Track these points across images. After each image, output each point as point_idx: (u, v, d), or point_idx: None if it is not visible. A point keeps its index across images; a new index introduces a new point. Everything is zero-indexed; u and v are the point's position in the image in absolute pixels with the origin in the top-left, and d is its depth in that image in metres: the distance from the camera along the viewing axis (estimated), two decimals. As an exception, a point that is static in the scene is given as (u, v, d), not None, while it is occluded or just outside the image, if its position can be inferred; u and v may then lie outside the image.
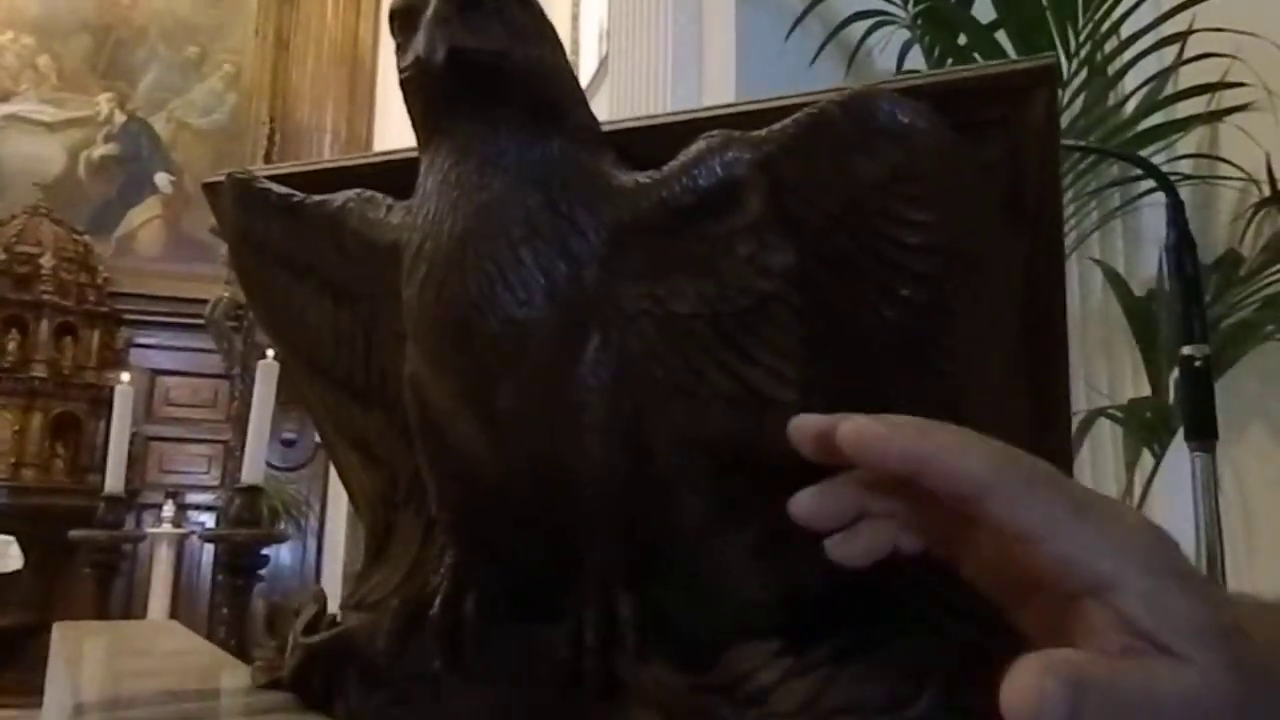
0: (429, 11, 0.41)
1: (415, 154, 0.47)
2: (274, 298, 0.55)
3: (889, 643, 0.43)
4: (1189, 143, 1.84)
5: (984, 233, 0.43)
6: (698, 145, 0.43)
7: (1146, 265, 1.88)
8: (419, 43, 0.40)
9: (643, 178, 0.43)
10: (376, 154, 0.53)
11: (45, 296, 5.24)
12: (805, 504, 0.35)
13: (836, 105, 0.41)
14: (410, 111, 0.44)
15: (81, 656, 0.65)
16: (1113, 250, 1.97)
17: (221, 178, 0.54)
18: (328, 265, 0.52)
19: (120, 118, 6.06)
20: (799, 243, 0.43)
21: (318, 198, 0.51)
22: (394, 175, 0.50)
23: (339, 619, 0.52)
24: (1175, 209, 0.88)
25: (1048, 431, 0.51)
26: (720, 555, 0.46)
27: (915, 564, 0.48)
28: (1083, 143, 1.32)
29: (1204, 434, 0.84)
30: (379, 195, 0.49)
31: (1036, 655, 0.28)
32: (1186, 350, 0.82)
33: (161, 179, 6.03)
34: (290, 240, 0.52)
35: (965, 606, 0.45)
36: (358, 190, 0.50)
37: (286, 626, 0.53)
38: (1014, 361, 0.49)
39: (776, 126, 0.42)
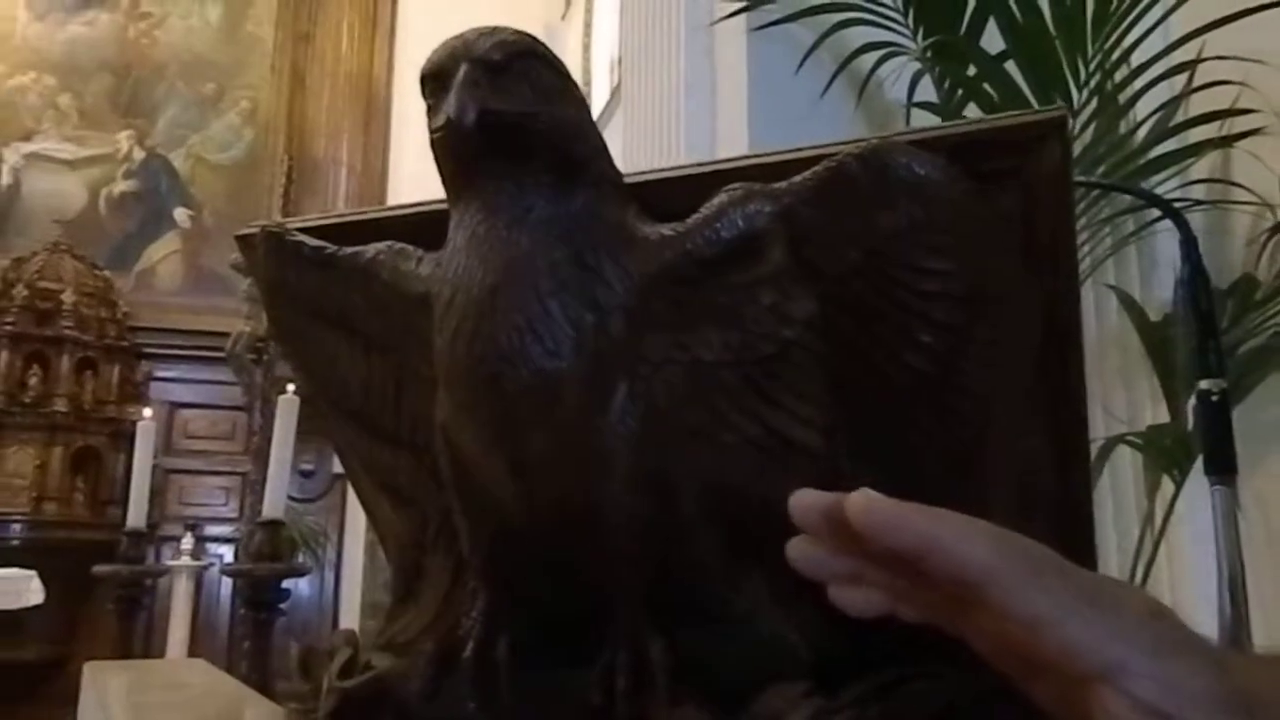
0: (459, 75, 0.42)
1: (443, 205, 0.48)
2: (307, 346, 0.57)
3: (916, 684, 0.43)
4: (1202, 168, 1.85)
5: (1001, 279, 0.44)
6: (719, 198, 0.44)
7: (1162, 290, 1.88)
8: (450, 105, 0.42)
9: (666, 230, 0.45)
10: (406, 206, 0.55)
11: (66, 332, 5.29)
12: (797, 551, 0.35)
13: (854, 158, 0.42)
14: (440, 169, 0.46)
15: (114, 695, 0.66)
16: (1128, 276, 1.97)
17: (255, 230, 0.56)
18: (359, 315, 0.53)
19: (139, 154, 6.15)
20: (820, 291, 0.44)
21: (349, 250, 0.53)
22: (423, 227, 0.52)
23: (371, 662, 0.53)
24: (1188, 243, 0.89)
25: (1066, 468, 0.52)
26: (748, 599, 0.47)
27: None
28: (1093, 179, 1.33)
29: (1223, 467, 0.84)
30: (409, 248, 0.51)
31: None
32: (1204, 385, 0.83)
33: (180, 214, 6.10)
34: (323, 291, 0.54)
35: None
36: (389, 243, 0.51)
37: (320, 669, 0.54)
38: (1032, 402, 0.49)
39: (796, 179, 0.43)
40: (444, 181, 0.46)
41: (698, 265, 0.44)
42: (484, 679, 0.46)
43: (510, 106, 0.42)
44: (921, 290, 0.43)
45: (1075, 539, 0.52)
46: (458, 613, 0.53)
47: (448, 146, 0.44)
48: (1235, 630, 0.84)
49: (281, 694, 0.56)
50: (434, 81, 0.44)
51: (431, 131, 0.44)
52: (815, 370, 0.45)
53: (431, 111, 0.44)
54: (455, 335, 0.43)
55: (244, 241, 0.57)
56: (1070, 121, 0.42)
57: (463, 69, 0.42)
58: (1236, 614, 0.83)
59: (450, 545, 0.56)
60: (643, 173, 0.49)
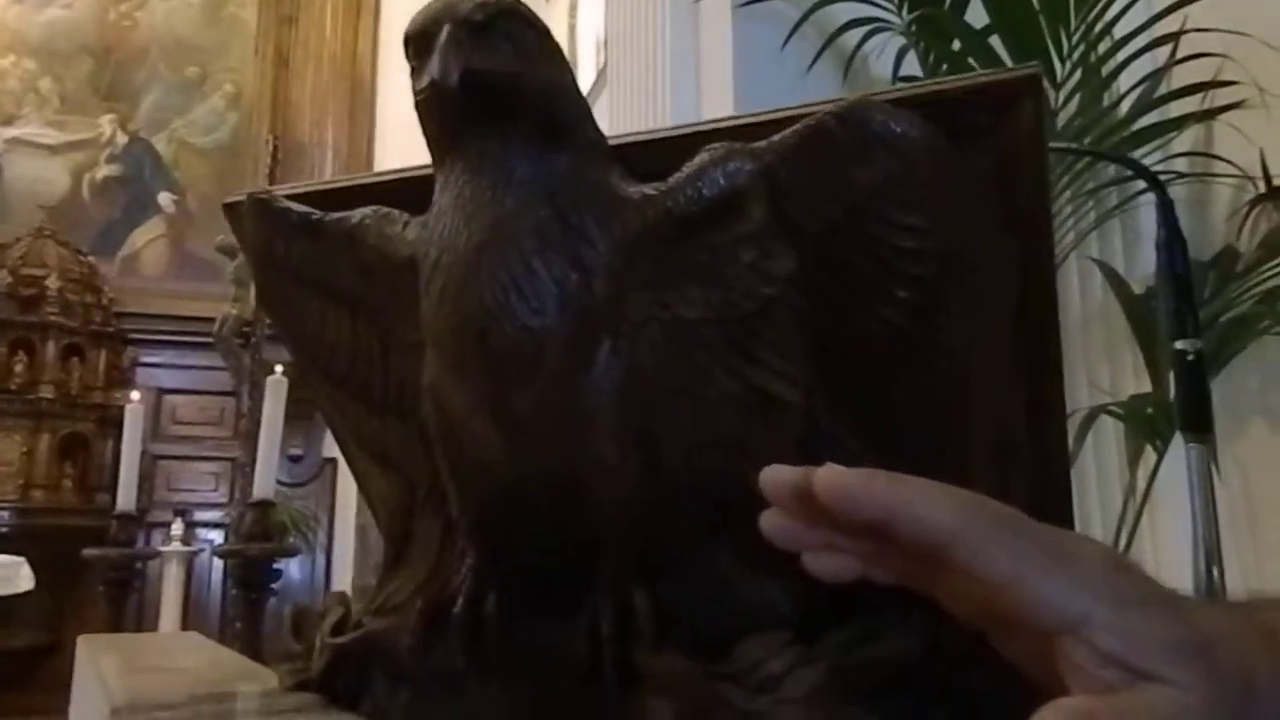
0: (442, 36, 0.43)
1: (429, 171, 0.49)
2: (294, 312, 0.57)
3: (893, 632, 0.44)
4: (1184, 141, 1.86)
5: (977, 236, 0.45)
6: (701, 157, 0.45)
7: (1145, 263, 1.90)
8: (433, 66, 0.42)
9: (649, 189, 0.45)
10: (391, 172, 0.55)
11: (51, 318, 5.26)
12: (770, 523, 0.36)
13: (832, 116, 0.43)
14: (425, 131, 0.46)
15: (109, 666, 0.66)
16: (1111, 249, 1.98)
17: (242, 198, 0.56)
18: (346, 280, 0.54)
19: (122, 139, 6.10)
20: (800, 248, 0.45)
21: (335, 215, 0.53)
22: (408, 192, 0.52)
23: (363, 623, 0.54)
24: (1165, 208, 0.90)
25: (1042, 426, 0.53)
26: (730, 553, 0.48)
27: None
28: (1074, 145, 1.34)
29: (1199, 426, 0.85)
30: (395, 211, 0.51)
31: (1051, 708, 0.30)
32: (1179, 345, 0.84)
33: (164, 198, 6.07)
34: (309, 256, 0.54)
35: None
36: (374, 207, 0.52)
37: (312, 630, 0.55)
38: (1009, 359, 0.50)
39: (776, 138, 0.44)
40: (429, 143, 0.46)
41: (679, 223, 0.44)
42: (473, 634, 0.47)
43: (494, 66, 0.43)
44: (899, 246, 0.44)
45: (1052, 494, 0.53)
46: (447, 574, 0.53)
47: (432, 107, 0.44)
48: (1210, 586, 0.85)
49: (270, 656, 0.57)
50: (417, 43, 0.44)
51: (415, 93, 0.44)
52: (795, 327, 0.46)
53: (415, 73, 0.44)
54: (442, 294, 0.44)
55: (231, 210, 0.58)
56: (1044, 81, 0.43)
57: (445, 29, 0.42)
58: (1210, 570, 0.85)
59: (438, 510, 0.57)
60: (626, 135, 0.49)
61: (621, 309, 0.45)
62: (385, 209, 0.52)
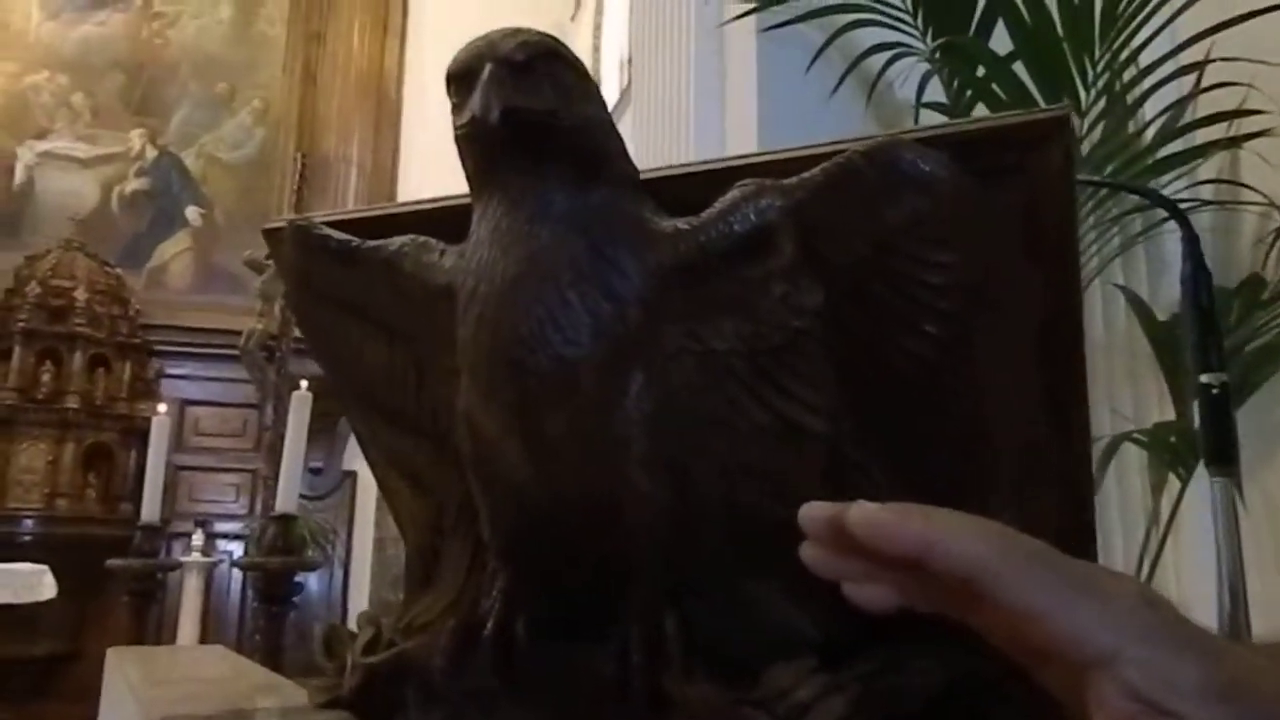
0: (485, 74, 0.44)
1: (465, 201, 0.50)
2: (331, 336, 0.59)
3: (919, 661, 0.45)
4: (1210, 169, 1.86)
5: (1004, 272, 0.46)
6: (732, 193, 0.46)
7: (1169, 290, 1.89)
8: (475, 102, 0.44)
9: (681, 224, 0.46)
10: (428, 201, 0.57)
11: (79, 329, 5.33)
12: (809, 555, 0.37)
13: (861, 155, 0.44)
14: (464, 164, 0.47)
15: (139, 678, 0.68)
16: (1136, 276, 1.98)
17: (283, 224, 0.58)
18: (383, 306, 0.55)
19: (152, 153, 6.19)
20: (829, 283, 0.46)
21: (374, 243, 0.54)
22: (445, 222, 0.53)
23: (394, 641, 0.55)
24: (1190, 241, 0.91)
25: (1067, 454, 0.53)
26: (758, 580, 0.48)
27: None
28: (1097, 178, 1.34)
29: (1224, 459, 0.86)
30: (432, 241, 0.53)
31: None
32: (1204, 379, 0.84)
33: (192, 213, 6.15)
34: (347, 283, 0.56)
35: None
36: (412, 235, 0.53)
37: (343, 648, 0.56)
38: (1035, 392, 0.51)
39: (806, 175, 0.45)
40: (468, 177, 0.48)
41: (711, 258, 0.45)
42: (504, 654, 0.48)
43: (533, 104, 0.44)
44: (926, 282, 0.44)
45: (1077, 521, 0.53)
46: (475, 595, 0.54)
47: (473, 142, 0.46)
48: (1234, 622, 0.85)
49: (291, 668, 0.58)
50: (459, 81, 0.46)
51: (457, 128, 0.46)
52: (824, 359, 0.47)
53: (457, 110, 0.46)
54: (479, 323, 0.45)
55: (271, 235, 0.59)
56: (1074, 119, 0.44)
57: (488, 68, 0.44)
58: (1235, 606, 0.85)
59: (468, 531, 0.58)
60: (658, 169, 0.51)
61: (654, 340, 0.46)
62: (423, 238, 0.53)
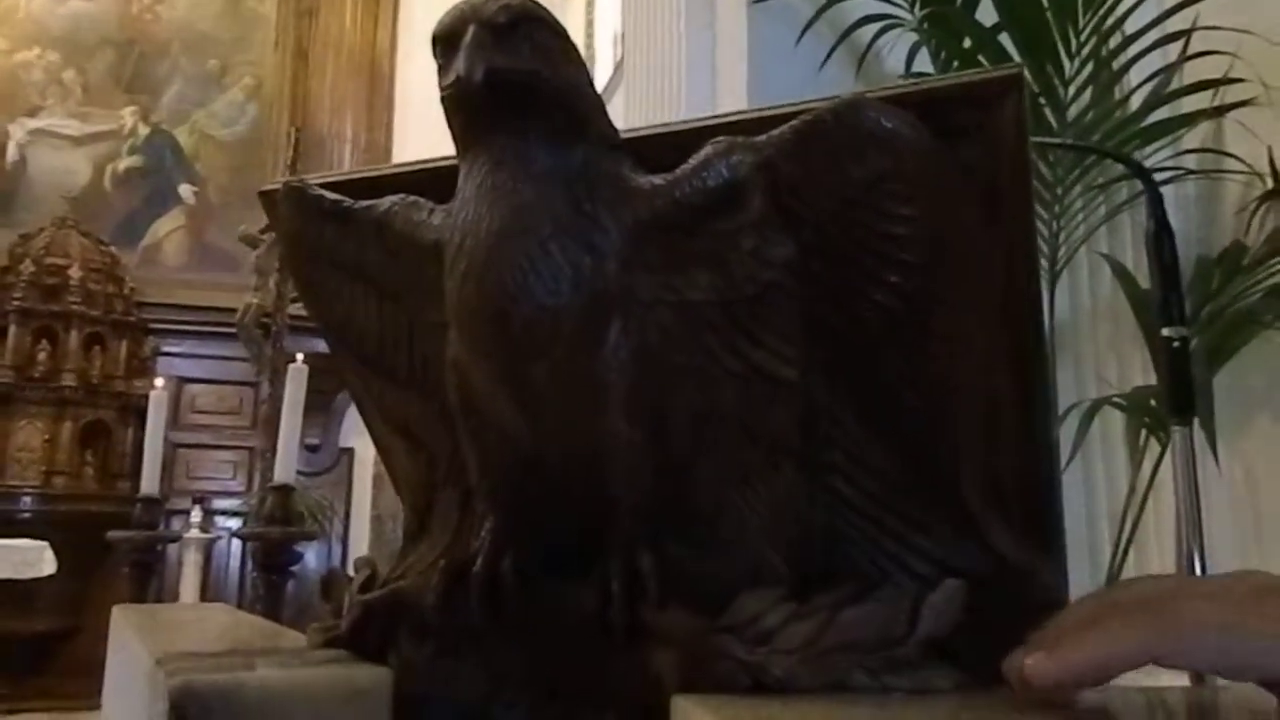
0: (468, 36, 0.46)
1: (453, 163, 0.52)
2: (325, 295, 0.61)
3: (884, 590, 0.48)
4: (1194, 138, 1.88)
5: (964, 225, 0.48)
6: (705, 150, 0.48)
7: (1154, 258, 1.92)
8: (459, 64, 0.46)
9: (657, 180, 0.49)
10: (418, 163, 0.59)
11: (74, 307, 5.35)
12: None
13: (829, 113, 0.46)
14: (450, 125, 0.50)
15: (146, 626, 0.71)
16: (1121, 244, 2.00)
17: (277, 186, 0.60)
18: (375, 264, 0.58)
19: (144, 130, 6.18)
20: (798, 237, 0.48)
21: (365, 203, 0.57)
22: (433, 182, 0.56)
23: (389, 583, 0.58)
24: (1154, 200, 0.93)
25: (1030, 406, 0.56)
26: (732, 519, 0.51)
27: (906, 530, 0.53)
28: (1067, 140, 1.36)
29: (1183, 409, 0.89)
30: (421, 200, 0.55)
31: None
32: (1166, 332, 0.87)
33: (185, 190, 6.14)
34: (340, 241, 0.58)
35: (953, 565, 0.50)
36: (401, 195, 0.56)
37: (341, 592, 0.59)
38: (997, 343, 0.54)
39: (775, 132, 0.47)
40: (454, 137, 0.50)
41: (685, 212, 0.48)
42: (491, 592, 0.51)
43: (516, 65, 0.46)
44: (890, 234, 0.47)
45: (1038, 469, 0.56)
46: (467, 539, 0.57)
47: (457, 103, 0.48)
48: (1190, 564, 0.88)
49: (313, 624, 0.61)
50: (444, 43, 0.48)
51: (442, 89, 0.48)
52: (793, 310, 0.49)
53: (442, 71, 0.48)
54: (465, 276, 0.48)
55: (266, 197, 0.62)
56: (1027, 77, 0.46)
57: (471, 30, 0.46)
58: (1192, 549, 0.88)
59: (458, 483, 0.61)
60: (636, 129, 0.53)
61: (631, 291, 0.48)
62: (412, 197, 0.55)
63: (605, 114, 0.51)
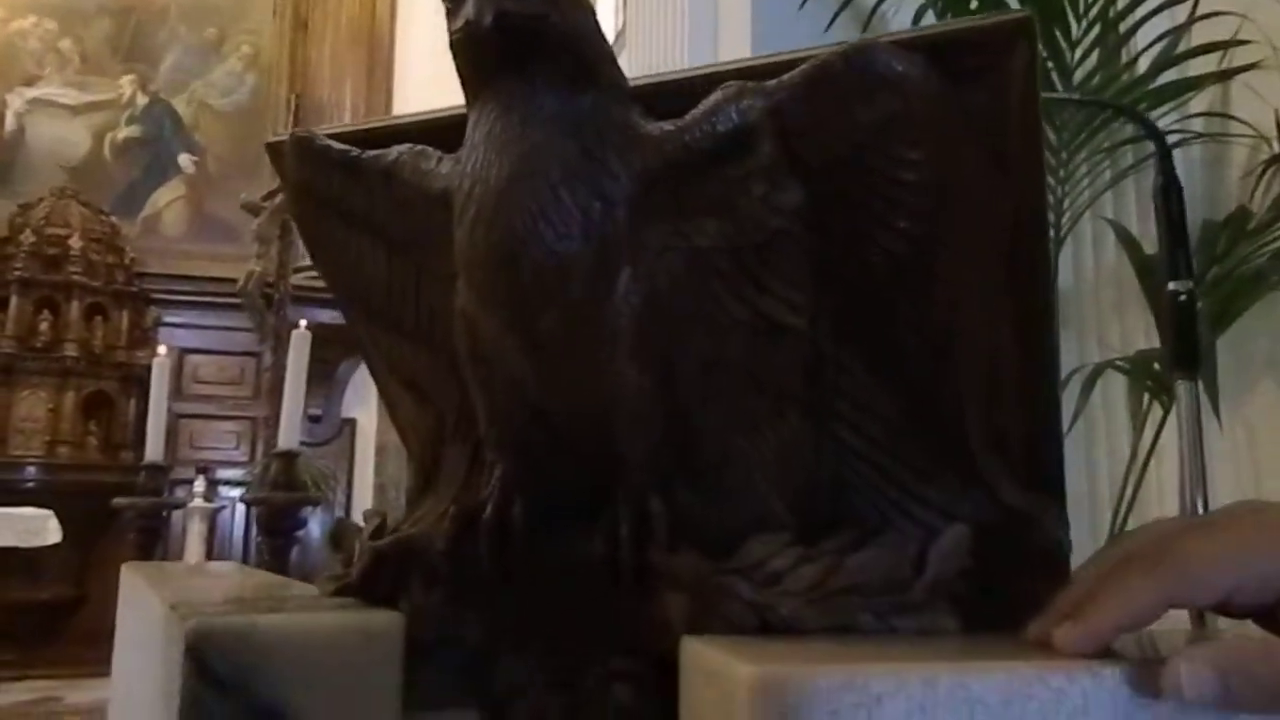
0: (476, -20, 0.46)
1: (459, 112, 0.52)
2: (333, 247, 0.61)
3: (889, 535, 0.48)
4: (1201, 102, 1.87)
5: (972, 171, 0.48)
6: (715, 95, 0.48)
7: (1158, 224, 1.91)
8: (468, 7, 0.46)
9: (667, 126, 0.48)
10: (426, 113, 0.59)
11: (75, 277, 5.34)
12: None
13: (839, 56, 0.46)
14: (459, 71, 0.49)
15: (158, 579, 0.71)
16: (1126, 210, 2.00)
17: (284, 138, 0.60)
18: (382, 214, 0.58)
19: (142, 100, 6.14)
20: (806, 182, 0.48)
21: (373, 153, 0.57)
22: (441, 133, 0.56)
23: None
24: (1162, 155, 0.93)
25: (1034, 355, 0.56)
26: (738, 467, 0.52)
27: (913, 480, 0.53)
28: (1074, 95, 1.35)
29: (1189, 364, 0.89)
30: (429, 149, 0.55)
31: None
32: (1172, 286, 0.87)
33: (184, 160, 6.11)
34: (348, 192, 0.58)
35: (958, 515, 0.51)
36: (409, 145, 0.55)
37: (351, 542, 0.59)
38: (1001, 294, 0.54)
39: (785, 77, 0.47)
40: (462, 83, 0.50)
41: (695, 157, 0.48)
42: (500, 538, 0.51)
43: (524, 9, 0.46)
44: (899, 179, 0.47)
45: (1042, 421, 0.56)
46: (475, 494, 0.58)
47: (466, 47, 0.48)
48: (1195, 515, 0.88)
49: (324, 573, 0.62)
50: (452, -13, 0.47)
51: (451, 34, 0.48)
52: (802, 257, 0.50)
53: (450, 15, 0.48)
54: (474, 222, 0.48)
55: (273, 149, 0.61)
56: (1035, 24, 0.46)
57: (479, -26, 0.46)
58: (1195, 504, 0.88)
59: (467, 437, 0.61)
60: (646, 76, 0.53)
61: (641, 238, 0.48)
62: (420, 146, 0.55)
63: (614, 61, 0.50)
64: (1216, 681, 0.34)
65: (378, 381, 0.69)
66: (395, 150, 0.56)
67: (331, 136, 0.59)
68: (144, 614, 0.64)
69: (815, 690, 0.35)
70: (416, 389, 0.66)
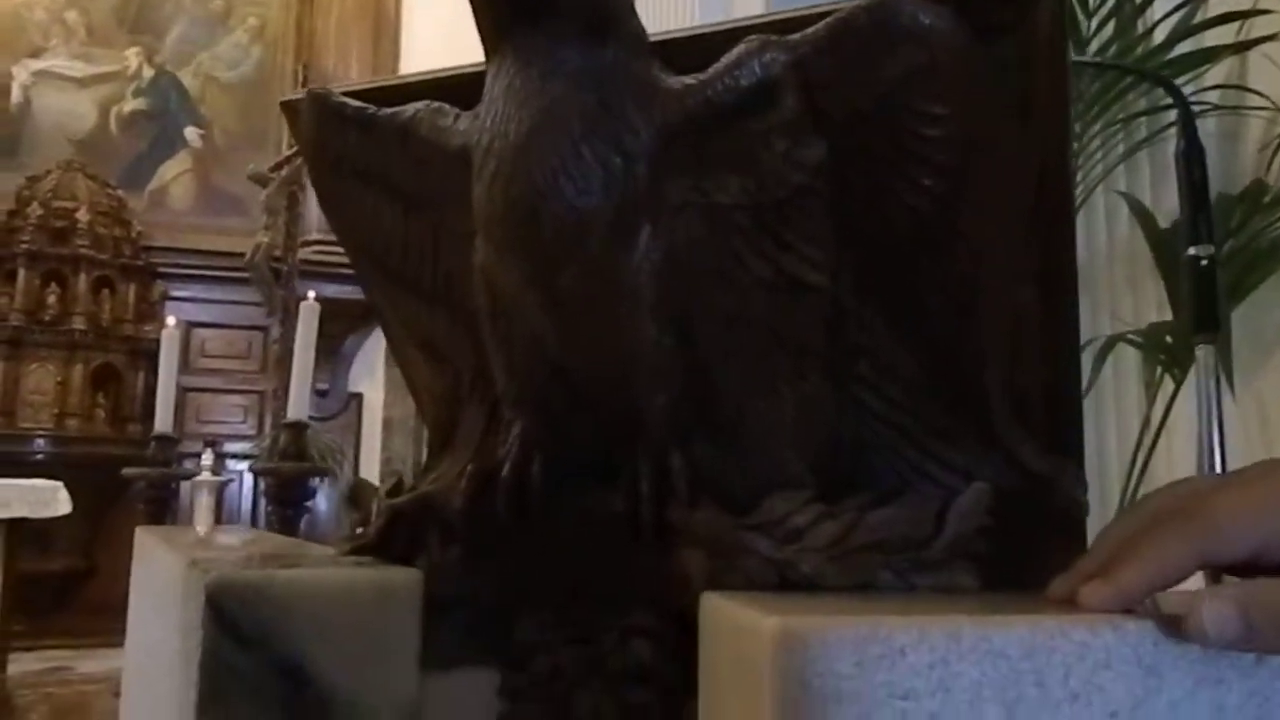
0: (496, -69, 0.45)
1: (478, 70, 0.52)
2: (348, 207, 0.61)
3: (910, 494, 0.48)
4: (1217, 74, 1.85)
5: (997, 125, 0.48)
6: (738, 49, 0.47)
7: (1172, 197, 1.89)
8: (487, -41, 0.45)
9: (689, 80, 0.48)
10: (440, 70, 0.58)
11: (82, 250, 5.33)
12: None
13: (863, 10, 0.45)
14: (479, 25, 0.49)
15: (174, 540, 0.72)
16: (1139, 183, 1.98)
17: (300, 96, 0.60)
18: (398, 173, 0.57)
19: (149, 72, 6.11)
20: (830, 138, 0.48)
21: (389, 110, 0.56)
22: (457, 90, 0.55)
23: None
24: (1184, 119, 0.92)
25: (1055, 323, 0.56)
26: (758, 427, 0.51)
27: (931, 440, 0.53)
28: (1097, 59, 1.34)
29: (1209, 327, 0.88)
30: (446, 106, 0.54)
31: None
32: (1193, 250, 0.86)
33: (191, 133, 6.09)
34: (364, 151, 0.57)
35: (978, 476, 0.50)
36: (427, 101, 0.55)
37: (369, 499, 0.59)
38: (1024, 253, 0.53)
39: (809, 30, 0.46)
40: (481, 36, 0.49)
41: (717, 112, 0.47)
42: (519, 494, 0.51)
43: (543, -41, 0.45)
44: (923, 134, 0.46)
45: (1062, 379, 0.56)
46: (493, 453, 0.57)
47: (484, 1, 0.47)
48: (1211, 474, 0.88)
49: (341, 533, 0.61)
50: (472, -62, 0.47)
51: (470, -15, 0.47)
52: (823, 214, 0.49)
53: (470, -34, 0.47)
54: (494, 177, 0.47)
55: (288, 107, 0.61)
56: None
57: (499, -76, 0.45)
58: (1212, 465, 0.88)
59: (483, 397, 0.61)
60: (666, 31, 0.52)
61: (661, 194, 0.48)
62: (438, 103, 0.55)
63: (635, 14, 0.50)
64: (1239, 621, 0.34)
65: (393, 344, 0.69)
66: (412, 107, 0.55)
67: (347, 94, 0.58)
68: (161, 574, 0.64)
69: (839, 641, 0.35)
70: (432, 350, 0.65)
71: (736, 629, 0.39)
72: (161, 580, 0.64)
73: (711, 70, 0.48)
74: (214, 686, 0.44)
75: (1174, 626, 0.35)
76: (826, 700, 0.34)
